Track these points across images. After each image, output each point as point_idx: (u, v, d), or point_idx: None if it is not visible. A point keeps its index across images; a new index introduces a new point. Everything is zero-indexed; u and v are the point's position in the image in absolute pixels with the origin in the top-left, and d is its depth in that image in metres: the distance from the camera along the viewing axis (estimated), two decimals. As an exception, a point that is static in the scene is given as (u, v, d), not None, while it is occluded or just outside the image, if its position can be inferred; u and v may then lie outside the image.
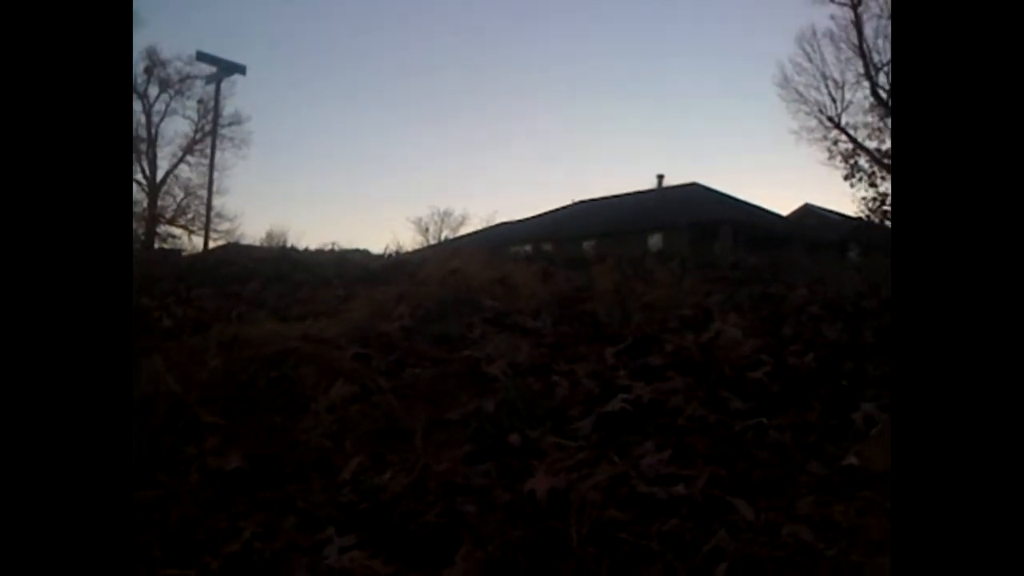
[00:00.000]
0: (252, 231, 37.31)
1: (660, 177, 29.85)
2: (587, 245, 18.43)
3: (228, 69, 18.65)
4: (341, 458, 2.34)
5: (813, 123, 22.88)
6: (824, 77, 22.92)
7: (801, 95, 23.18)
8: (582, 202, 29.74)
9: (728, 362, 2.89)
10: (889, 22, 21.35)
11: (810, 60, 23.21)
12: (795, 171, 53.28)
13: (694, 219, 21.14)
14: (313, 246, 12.34)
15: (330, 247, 9.43)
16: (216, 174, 22.03)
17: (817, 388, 2.70)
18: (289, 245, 11.22)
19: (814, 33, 23.04)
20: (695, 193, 25.71)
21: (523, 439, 2.37)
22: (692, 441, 2.28)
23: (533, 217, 28.80)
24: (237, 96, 32.19)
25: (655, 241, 19.27)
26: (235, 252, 10.53)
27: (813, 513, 1.83)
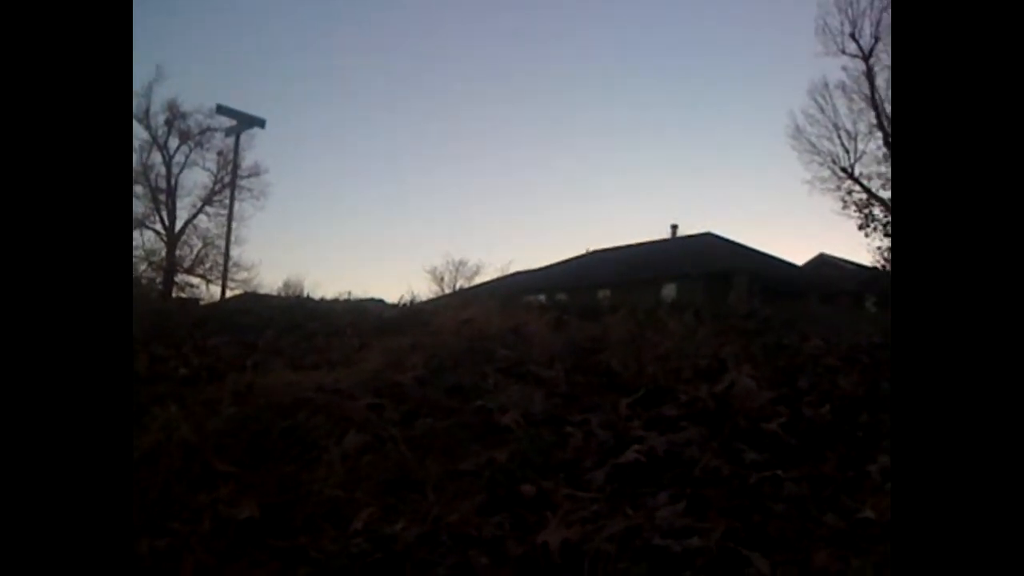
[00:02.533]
0: (269, 280, 37.57)
1: (674, 227, 29.99)
2: (601, 294, 18.44)
3: (247, 122, 19.01)
4: (353, 508, 2.33)
5: (826, 173, 22.99)
6: (837, 128, 23.09)
7: (814, 146, 23.34)
8: (596, 251, 29.85)
9: (743, 413, 2.88)
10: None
11: (822, 111, 23.42)
12: (809, 221, 53.47)
13: (708, 269, 21.16)
14: (329, 296, 12.40)
15: (345, 297, 9.48)
16: (234, 224, 22.37)
17: (833, 440, 2.68)
18: (305, 295, 11.29)
19: (826, 85, 23.28)
20: (709, 243, 25.77)
21: (536, 490, 2.35)
22: (707, 493, 2.26)
23: (548, 266, 28.91)
24: (256, 148, 32.83)
25: (669, 291, 19.29)
26: (252, 301, 10.60)
27: (829, 567, 1.81)
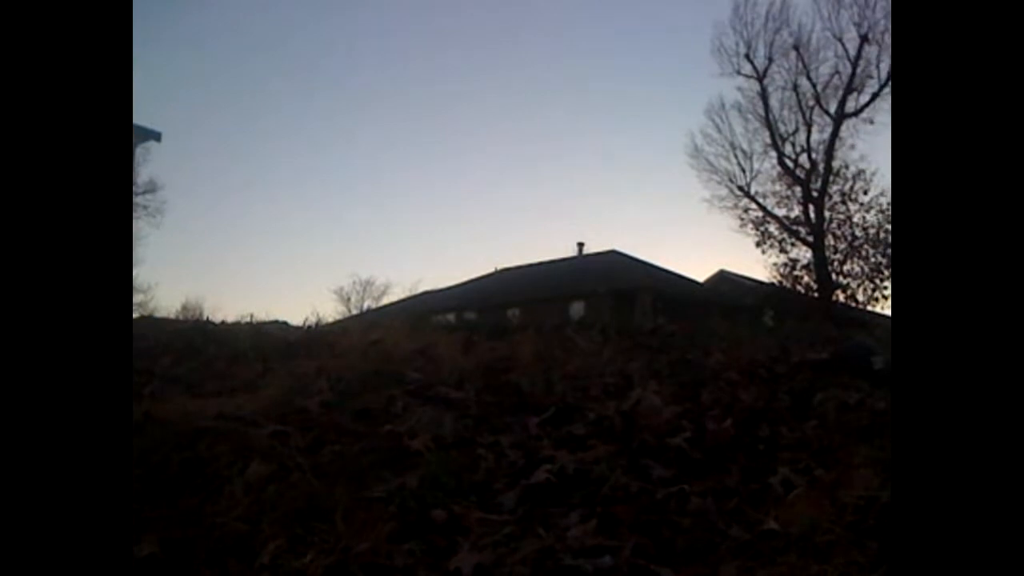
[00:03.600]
0: (166, 303, 36.22)
1: (580, 245, 30.39)
2: (510, 313, 18.52)
3: (143, 135, 18.31)
4: (259, 541, 2.25)
5: (724, 192, 23.66)
6: (733, 147, 23.78)
7: (712, 165, 23.98)
8: (505, 270, 29.99)
9: (649, 429, 2.93)
10: (793, 93, 22.50)
11: (719, 131, 24.09)
12: (709, 238, 54.89)
13: (614, 286, 21.52)
14: (230, 318, 12.04)
15: (247, 320, 9.20)
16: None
17: (735, 453, 2.76)
18: (205, 318, 10.92)
19: (723, 105, 23.97)
20: (615, 260, 26.25)
21: (448, 515, 2.33)
22: (616, 510, 2.29)
23: (456, 286, 28.85)
24: (151, 163, 31.60)
25: (577, 308, 19.52)
26: (149, 325, 10.19)
27: (736, 580, 1.85)
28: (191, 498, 2.60)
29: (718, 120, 23.94)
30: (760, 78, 22.97)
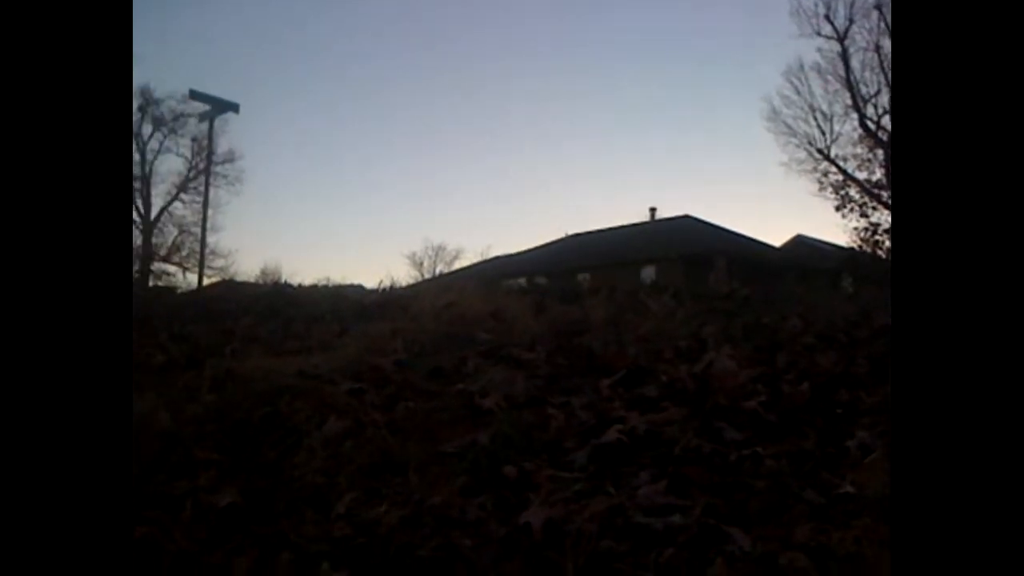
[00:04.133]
0: (246, 268, 37.27)
1: (653, 210, 30.08)
2: (581, 278, 18.47)
3: (221, 107, 18.75)
4: (335, 493, 2.32)
5: (803, 155, 23.07)
6: (812, 109, 23.15)
7: (790, 128, 23.40)
8: (576, 235, 29.86)
9: (723, 392, 2.89)
10: (876, 54, 21.70)
11: (798, 93, 23.47)
12: (786, 203, 53.84)
13: (687, 251, 21.24)
14: (307, 282, 12.35)
15: (324, 283, 9.43)
16: (210, 211, 22.06)
17: (812, 417, 2.70)
18: (283, 281, 11.23)
19: (801, 67, 23.31)
20: (688, 225, 25.86)
21: (519, 471, 2.36)
22: (688, 471, 2.27)
23: (527, 251, 28.89)
24: (230, 134, 32.31)
25: (648, 273, 19.36)
26: (229, 289, 10.53)
27: (810, 541, 1.82)
28: (271, 451, 2.69)
29: (797, 82, 23.32)
30: (841, 39, 22.23)
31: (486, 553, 1.90)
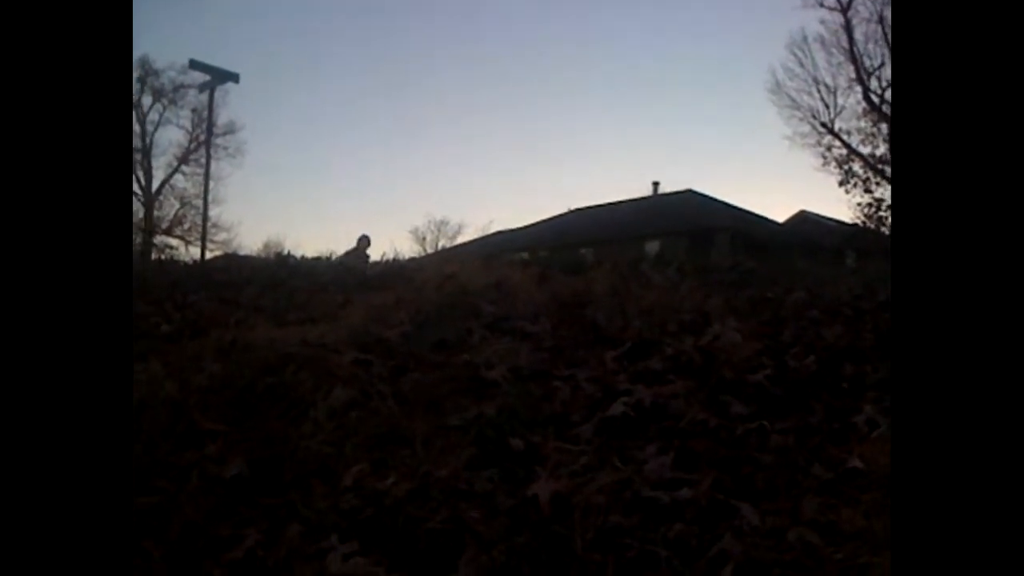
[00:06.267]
0: (249, 241, 37.31)
1: (656, 184, 29.92)
2: (584, 252, 18.43)
3: (221, 77, 18.51)
4: (342, 464, 2.32)
5: (806, 129, 22.87)
6: (816, 82, 22.90)
7: (794, 100, 23.17)
8: (578, 210, 29.75)
9: (728, 365, 2.89)
10: (879, 26, 21.46)
11: (802, 65, 23.20)
12: (790, 177, 53.65)
13: (690, 226, 21.18)
14: (310, 255, 12.28)
15: (327, 256, 9.41)
16: (211, 184, 21.86)
17: (818, 391, 2.70)
18: (286, 253, 11.19)
19: (805, 38, 23.02)
20: (691, 200, 25.75)
21: (525, 444, 2.36)
22: (694, 445, 2.27)
23: (529, 225, 28.79)
24: (231, 105, 32.11)
25: (652, 248, 19.25)
26: (232, 262, 10.51)
27: (819, 516, 1.82)
28: (277, 421, 2.68)
29: (800, 54, 23.06)
30: (844, 10, 21.95)
31: (494, 526, 1.90)
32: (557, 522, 1.89)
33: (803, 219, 27.17)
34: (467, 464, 2.27)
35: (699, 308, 3.93)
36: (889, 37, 21.10)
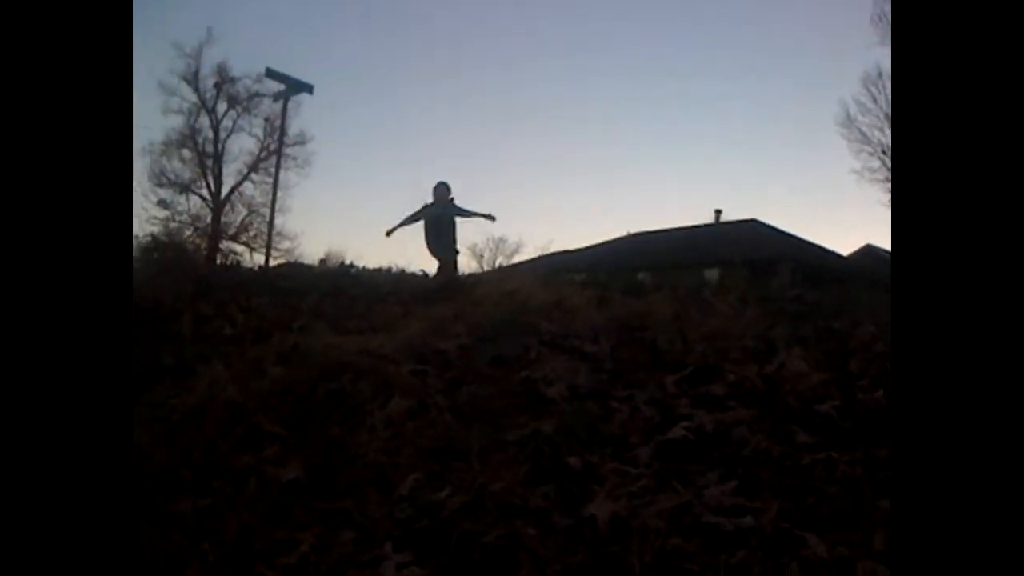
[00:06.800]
0: (311, 251, 37.76)
1: (718, 212, 29.56)
2: (641, 276, 18.28)
3: (296, 88, 18.90)
4: (398, 473, 2.32)
5: (876, 163, 22.49)
6: (888, 118, 22.53)
7: (864, 135, 22.88)
8: (638, 234, 29.57)
9: (794, 395, 2.81)
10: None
11: (874, 101, 22.92)
12: (857, 211, 52.38)
13: (752, 255, 20.81)
14: (371, 266, 12.41)
15: (388, 268, 9.53)
16: (279, 193, 22.35)
17: (887, 425, 2.60)
18: (348, 263, 11.33)
19: (880, 74, 22.71)
20: (753, 229, 25.37)
21: (582, 463, 2.32)
22: (758, 473, 2.21)
23: (588, 247, 28.69)
24: (303, 115, 32.71)
25: (711, 275, 19.00)
26: (294, 269, 10.69)
27: (888, 550, 1.74)
28: (334, 428, 2.70)
29: (874, 90, 22.77)
30: (920, 49, 21.56)
31: (550, 544, 1.87)
32: (614, 543, 1.84)
33: (868, 253, 26.58)
34: (523, 480, 2.24)
35: (763, 336, 3.84)
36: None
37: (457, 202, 9.61)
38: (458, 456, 2.43)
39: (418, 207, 9.43)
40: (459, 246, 9.32)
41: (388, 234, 8.96)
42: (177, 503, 2.23)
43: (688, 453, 2.41)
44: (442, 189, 9.76)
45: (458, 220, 9.46)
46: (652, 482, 2.19)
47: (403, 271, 8.70)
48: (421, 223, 9.13)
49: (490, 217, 9.56)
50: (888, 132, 22.42)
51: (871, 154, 22.54)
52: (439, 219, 9.24)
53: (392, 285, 5.94)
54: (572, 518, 2.00)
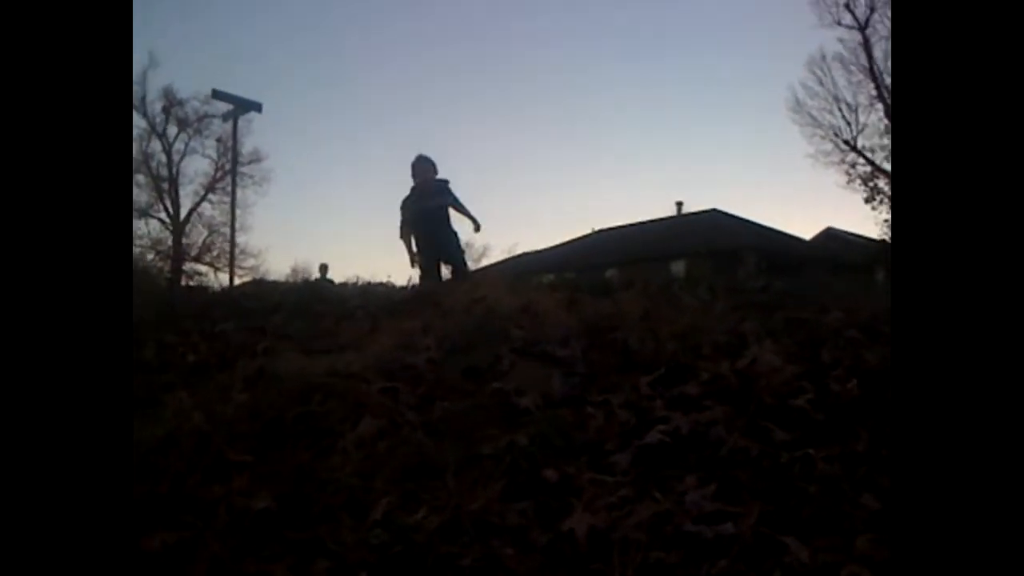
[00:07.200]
0: (276, 267, 37.64)
1: (679, 204, 29.83)
2: (609, 273, 18.33)
3: (244, 107, 18.74)
4: (371, 497, 2.26)
5: (829, 147, 22.80)
6: (837, 100, 22.89)
7: (815, 119, 23.19)
8: (602, 231, 29.71)
9: (768, 390, 2.79)
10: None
11: (821, 84, 23.27)
12: (814, 195, 53.13)
13: (716, 245, 21.02)
14: (337, 280, 12.30)
15: (354, 281, 9.42)
16: (238, 211, 22.14)
17: (863, 416, 2.59)
18: (313, 279, 11.21)
19: (823, 57, 23.05)
20: (715, 219, 25.60)
21: (559, 475, 2.28)
22: (736, 475, 2.19)
23: (554, 247, 28.78)
24: (255, 134, 32.62)
25: (678, 268, 19.16)
26: (260, 287, 10.57)
27: (874, 553, 1.73)
28: (304, 453, 2.63)
29: (820, 73, 23.13)
30: (862, 28, 21.92)
31: (530, 563, 1.83)
32: (596, 558, 1.81)
33: (830, 236, 26.91)
34: (500, 496, 2.19)
35: (733, 330, 3.83)
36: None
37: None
38: (432, 474, 2.38)
39: (415, 188, 7.53)
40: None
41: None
42: (147, 538, 2.16)
43: (666, 457, 2.38)
44: (424, 165, 7.58)
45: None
46: (631, 491, 2.16)
47: (368, 283, 8.60)
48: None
49: (477, 226, 7.79)
50: (837, 114, 22.70)
51: (823, 137, 22.87)
52: (427, 212, 7.38)
53: (359, 298, 5.86)
54: (551, 533, 1.96)
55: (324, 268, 15.59)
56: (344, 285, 8.74)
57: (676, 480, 2.20)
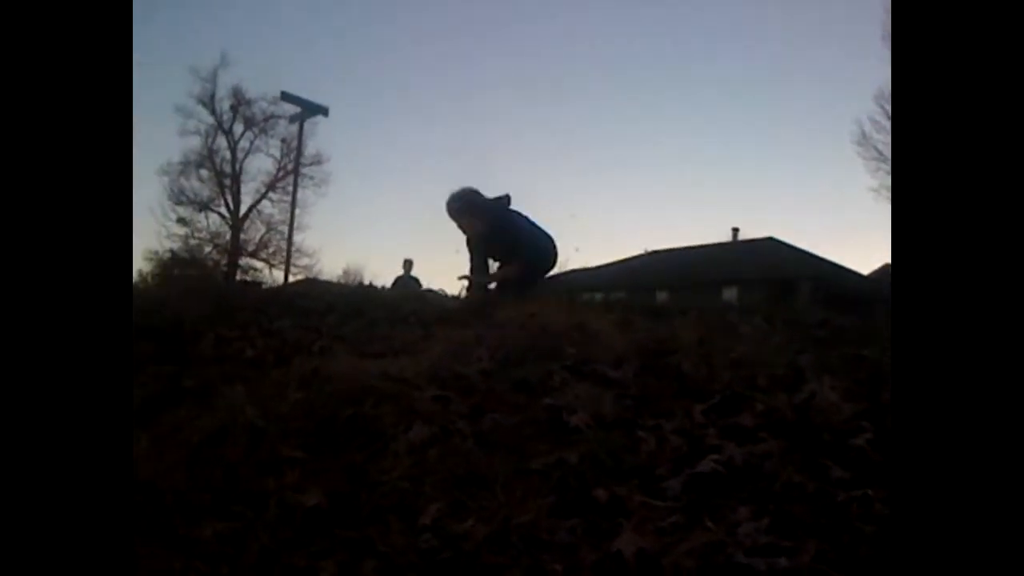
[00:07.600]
0: (329, 267, 38.18)
1: (735, 230, 29.51)
2: (661, 296, 18.21)
3: (311, 110, 19.15)
4: (421, 502, 2.27)
5: (893, 181, 22.43)
6: (905, 137, 22.49)
7: (880, 153, 22.80)
8: (655, 252, 29.51)
9: (826, 427, 2.74)
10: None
11: (888, 118, 22.84)
12: (876, 230, 52.04)
13: (770, 274, 20.75)
14: (389, 284, 12.42)
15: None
16: (297, 211, 22.60)
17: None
18: (367, 283, 11.35)
19: (893, 92, 22.74)
20: (771, 247, 25.28)
21: (609, 495, 2.26)
22: (791, 510, 2.14)
23: (605, 265, 28.65)
24: (319, 136, 33.17)
25: (731, 294, 18.96)
26: (313, 287, 10.73)
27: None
28: (356, 454, 2.66)
29: (887, 107, 22.69)
30: (933, 65, 21.54)
31: (578, 581, 1.82)
32: (645, 583, 1.79)
33: (888, 273, 26.38)
34: (549, 511, 2.18)
35: (791, 363, 3.77)
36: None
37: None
38: (481, 485, 2.38)
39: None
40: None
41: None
42: (198, 527, 2.20)
43: (719, 487, 2.34)
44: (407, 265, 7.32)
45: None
46: (682, 518, 2.13)
47: (430, 290, 8.66)
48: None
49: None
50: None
51: (888, 172, 22.41)
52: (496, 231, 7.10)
53: (412, 305, 5.90)
54: (599, 553, 1.94)
55: (409, 264, 14.06)
56: (430, 291, 8.81)
57: (729, 510, 2.17)
